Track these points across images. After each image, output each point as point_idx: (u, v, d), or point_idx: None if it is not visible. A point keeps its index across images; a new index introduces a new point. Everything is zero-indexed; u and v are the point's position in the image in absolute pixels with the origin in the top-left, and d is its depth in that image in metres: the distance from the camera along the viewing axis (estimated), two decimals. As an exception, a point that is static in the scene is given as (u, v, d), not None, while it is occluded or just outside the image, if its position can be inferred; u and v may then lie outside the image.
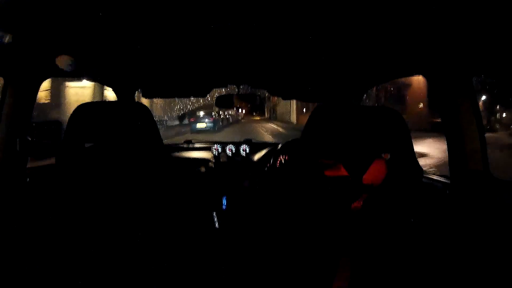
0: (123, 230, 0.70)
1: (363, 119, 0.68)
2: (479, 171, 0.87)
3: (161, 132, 0.83)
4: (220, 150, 1.95)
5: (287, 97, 1.77)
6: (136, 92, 1.70)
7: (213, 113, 15.97)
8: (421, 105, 15.28)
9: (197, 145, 2.01)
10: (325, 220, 0.64)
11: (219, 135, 12.59)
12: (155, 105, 21.04)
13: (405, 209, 0.64)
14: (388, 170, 0.66)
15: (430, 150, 6.98)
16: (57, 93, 10.99)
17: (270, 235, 0.69)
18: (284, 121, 23.39)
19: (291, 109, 23.56)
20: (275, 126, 18.79)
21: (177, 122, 17.06)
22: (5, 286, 0.63)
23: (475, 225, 0.76)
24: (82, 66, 1.18)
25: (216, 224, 1.42)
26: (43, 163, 1.13)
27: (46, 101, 10.44)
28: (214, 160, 1.90)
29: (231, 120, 21.47)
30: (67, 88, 11.31)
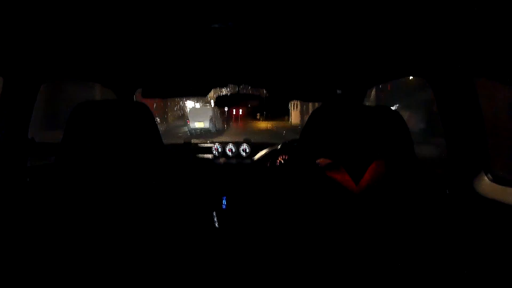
0: (123, 230, 0.70)
1: (363, 119, 0.68)
2: (479, 171, 0.87)
3: None
4: (220, 149, 1.96)
5: (287, 97, 1.78)
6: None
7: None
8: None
9: (197, 145, 2.01)
10: (325, 219, 0.64)
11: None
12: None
13: (405, 209, 0.64)
14: (388, 170, 0.66)
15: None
16: None
17: (270, 235, 0.69)
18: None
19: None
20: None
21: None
22: (5, 286, 0.63)
23: (475, 224, 0.76)
24: (82, 66, 1.18)
25: (216, 224, 1.43)
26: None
27: None
28: (214, 160, 1.90)
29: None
30: None
